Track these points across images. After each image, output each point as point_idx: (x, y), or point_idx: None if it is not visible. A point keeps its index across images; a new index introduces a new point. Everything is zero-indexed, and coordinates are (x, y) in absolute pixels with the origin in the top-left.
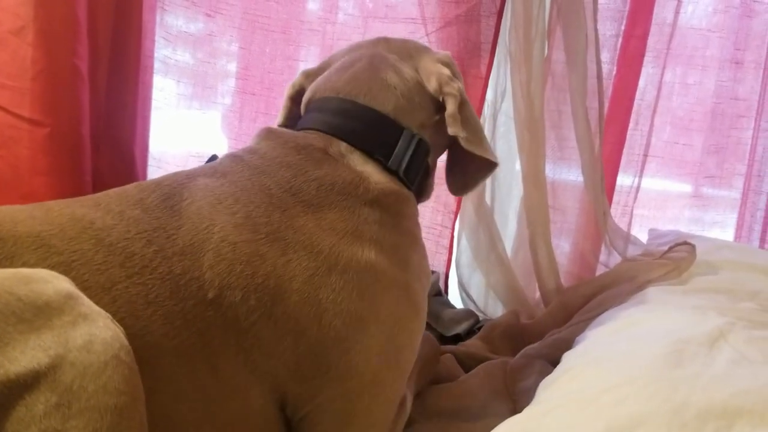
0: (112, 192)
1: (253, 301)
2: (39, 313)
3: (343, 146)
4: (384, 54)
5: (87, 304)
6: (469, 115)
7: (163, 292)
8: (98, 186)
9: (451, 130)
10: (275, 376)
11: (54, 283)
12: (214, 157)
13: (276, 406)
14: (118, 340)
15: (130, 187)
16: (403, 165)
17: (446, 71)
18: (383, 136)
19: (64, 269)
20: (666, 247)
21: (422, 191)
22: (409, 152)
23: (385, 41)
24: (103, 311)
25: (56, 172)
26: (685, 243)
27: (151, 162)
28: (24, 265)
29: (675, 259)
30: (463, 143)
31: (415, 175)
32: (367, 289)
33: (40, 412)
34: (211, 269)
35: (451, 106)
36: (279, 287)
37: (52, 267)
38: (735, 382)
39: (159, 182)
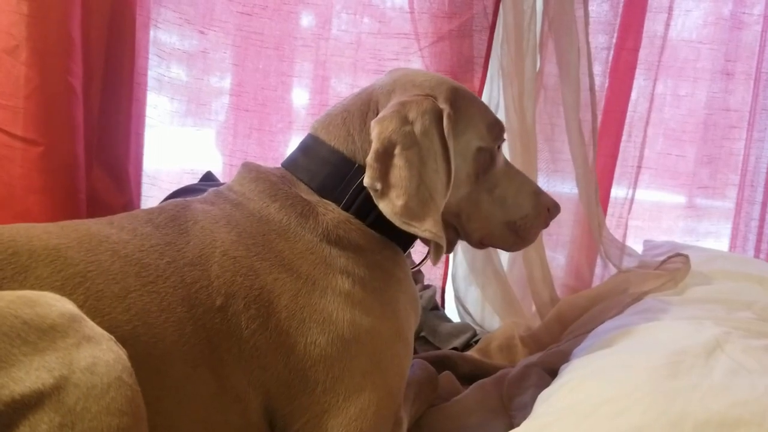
0: (122, 214)
1: (253, 310)
2: (43, 336)
3: (295, 181)
4: (372, 89)
5: (91, 326)
6: (401, 165)
7: (175, 299)
8: (92, 204)
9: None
10: (268, 391)
11: (58, 305)
12: (208, 175)
13: (266, 424)
14: (121, 362)
15: (138, 211)
16: (348, 197)
17: (392, 111)
18: (330, 170)
19: (80, 279)
20: (661, 258)
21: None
22: (353, 187)
23: (389, 74)
24: (106, 333)
25: (50, 191)
26: (680, 254)
27: (145, 180)
28: (38, 278)
29: (670, 270)
30: (375, 199)
31: (367, 210)
32: (346, 313)
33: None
34: (218, 278)
35: (370, 153)
36: (271, 302)
37: (66, 278)
38: (733, 393)
39: (162, 207)
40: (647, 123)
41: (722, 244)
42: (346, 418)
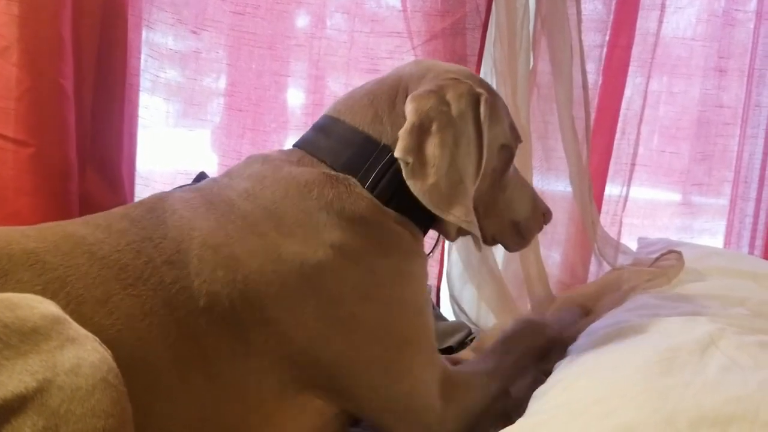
0: (99, 213)
1: (239, 309)
2: (26, 339)
3: (309, 159)
4: (397, 75)
5: (74, 327)
6: (436, 143)
7: (156, 302)
8: (85, 206)
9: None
10: (282, 362)
11: (40, 308)
12: (202, 175)
13: (295, 387)
14: (106, 363)
15: (115, 209)
16: (371, 178)
17: (430, 89)
18: (355, 150)
19: (60, 284)
20: (655, 256)
21: (419, 210)
22: (379, 167)
23: (416, 63)
24: (90, 334)
25: (42, 193)
26: (673, 251)
27: (138, 181)
28: (19, 281)
29: (664, 267)
30: (404, 174)
31: (392, 190)
32: (338, 292)
33: None
34: (197, 277)
35: (405, 126)
36: (258, 293)
37: (47, 283)
38: (726, 389)
39: (141, 200)
40: (641, 120)
41: (717, 241)
42: (380, 386)
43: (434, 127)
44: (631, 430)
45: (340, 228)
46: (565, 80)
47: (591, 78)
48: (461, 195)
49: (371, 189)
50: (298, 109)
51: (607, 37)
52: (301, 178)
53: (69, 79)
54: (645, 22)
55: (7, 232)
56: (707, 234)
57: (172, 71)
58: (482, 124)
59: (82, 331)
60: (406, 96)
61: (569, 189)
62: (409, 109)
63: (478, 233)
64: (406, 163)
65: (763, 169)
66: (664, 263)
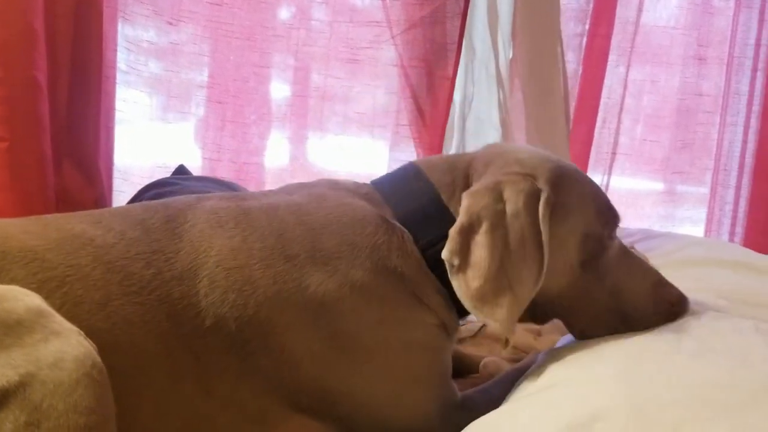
0: (115, 210)
1: (247, 333)
2: (9, 331)
3: (377, 197)
4: (471, 156)
5: (59, 321)
6: (484, 245)
7: (159, 314)
8: (62, 200)
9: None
10: (287, 386)
11: (25, 300)
12: (181, 168)
13: (290, 407)
14: (91, 358)
15: (135, 206)
16: (427, 238)
17: (486, 185)
18: (423, 204)
19: (57, 284)
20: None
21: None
22: (439, 231)
23: (491, 145)
24: (75, 328)
25: (17, 188)
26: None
27: (116, 174)
28: (12, 279)
29: None
30: (450, 274)
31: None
32: (355, 327)
33: (9, 431)
34: (206, 298)
35: (455, 225)
36: (270, 320)
37: (43, 281)
38: (698, 374)
39: (167, 204)
40: (621, 109)
41: (699, 229)
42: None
43: (483, 228)
44: (600, 415)
45: (374, 272)
46: (545, 69)
47: (571, 67)
48: (508, 301)
49: (423, 249)
50: (281, 101)
51: (587, 26)
52: (360, 212)
53: (43, 71)
54: (625, 10)
55: (6, 227)
56: (689, 222)
57: (150, 64)
58: (542, 224)
59: (67, 324)
60: (467, 179)
61: None
62: (463, 206)
63: (511, 336)
64: (452, 265)
65: (742, 156)
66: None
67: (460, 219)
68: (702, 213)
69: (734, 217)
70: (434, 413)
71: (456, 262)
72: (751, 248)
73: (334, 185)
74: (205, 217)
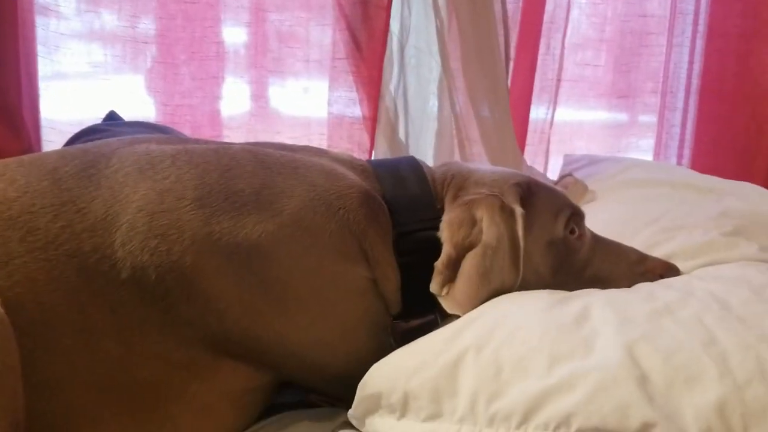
0: (23, 159)
1: (169, 281)
2: None
3: (369, 172)
4: (443, 176)
5: None
6: (470, 271)
7: (68, 269)
8: None
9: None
10: (214, 336)
11: None
12: (112, 114)
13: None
14: None
15: (49, 154)
16: (405, 221)
17: (460, 212)
18: (410, 191)
19: None
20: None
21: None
22: (419, 218)
23: (449, 164)
24: None
25: None
26: (570, 176)
27: (44, 123)
28: None
29: (565, 186)
30: (441, 300)
31: (413, 246)
32: (287, 273)
33: None
34: (122, 247)
35: (441, 257)
36: (196, 266)
37: None
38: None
39: (86, 149)
40: (565, 34)
41: (647, 155)
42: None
43: (468, 256)
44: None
45: (327, 218)
46: None
47: None
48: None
49: (397, 225)
50: (232, 46)
51: None
52: (340, 172)
53: None
54: None
55: None
56: (635, 148)
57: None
58: (518, 241)
59: None
60: (443, 197)
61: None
62: (444, 237)
63: None
64: (440, 296)
65: (689, 78)
66: (567, 182)
67: (446, 250)
68: (650, 138)
69: (682, 140)
70: (370, 358)
71: (445, 293)
72: (697, 170)
73: (322, 152)
74: (133, 159)
